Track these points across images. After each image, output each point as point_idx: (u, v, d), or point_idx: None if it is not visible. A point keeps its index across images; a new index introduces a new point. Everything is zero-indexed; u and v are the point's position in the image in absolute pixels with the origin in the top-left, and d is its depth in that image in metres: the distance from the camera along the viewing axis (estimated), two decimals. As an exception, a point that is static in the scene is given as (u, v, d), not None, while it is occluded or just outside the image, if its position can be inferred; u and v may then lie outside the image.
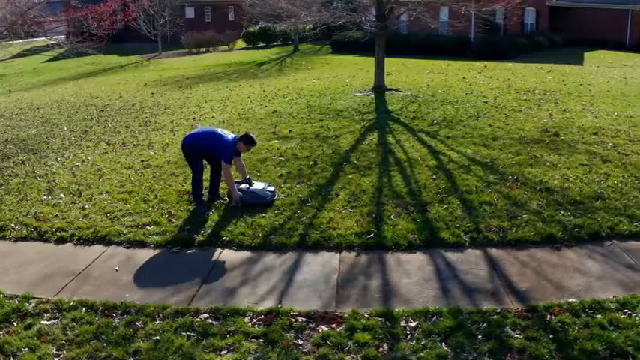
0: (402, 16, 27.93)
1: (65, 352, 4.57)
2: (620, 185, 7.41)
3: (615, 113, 11.33)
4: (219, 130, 7.21)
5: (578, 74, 17.68)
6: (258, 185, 7.37)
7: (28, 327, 4.90)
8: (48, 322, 4.96)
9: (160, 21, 35.25)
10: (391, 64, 21.22)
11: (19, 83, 25.42)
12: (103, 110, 14.55)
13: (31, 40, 16.90)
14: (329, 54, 30.78)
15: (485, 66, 20.32)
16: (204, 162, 7.48)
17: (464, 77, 16.98)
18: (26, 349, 4.61)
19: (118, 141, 11.03)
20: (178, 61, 30.58)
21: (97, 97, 16.88)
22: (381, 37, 14.02)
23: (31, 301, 5.30)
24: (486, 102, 12.60)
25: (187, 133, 7.66)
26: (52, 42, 15.89)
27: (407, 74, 18.52)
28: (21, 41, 18.42)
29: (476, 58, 24.86)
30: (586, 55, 26.81)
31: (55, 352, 4.58)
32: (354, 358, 4.34)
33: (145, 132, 11.65)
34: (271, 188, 7.39)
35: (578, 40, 30.86)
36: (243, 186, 7.28)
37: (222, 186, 7.62)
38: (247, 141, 7.11)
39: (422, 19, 14.68)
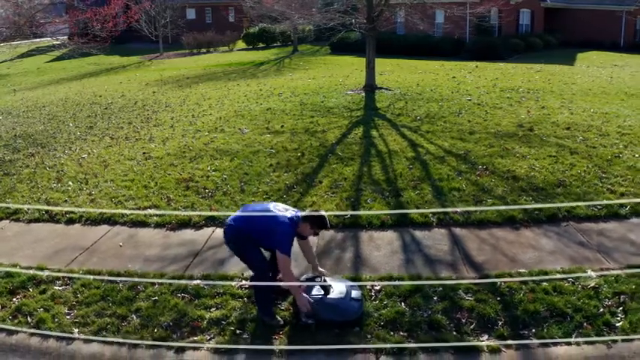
0: (397, 18, 28.58)
1: (76, 311, 5.28)
2: (583, 174, 8.06)
3: (592, 110, 11.97)
4: (272, 205, 5.13)
5: (565, 74, 18.28)
6: (337, 287, 5.10)
7: (43, 292, 5.62)
8: (60, 288, 5.67)
9: (161, 22, 35.93)
10: (385, 64, 21.89)
11: (23, 83, 26.12)
12: (106, 108, 15.25)
13: (37, 40, 17.62)
14: (328, 54, 31.40)
15: (477, 66, 20.93)
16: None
17: (454, 77, 17.62)
18: (41, 309, 5.32)
19: (121, 135, 11.73)
20: (179, 62, 31.26)
21: (101, 96, 17.59)
22: (371, 38, 14.67)
23: (44, 271, 6.00)
24: (470, 99, 13.26)
25: (232, 215, 5.26)
26: (56, 42, 16.58)
27: (399, 74, 19.17)
28: (27, 41, 19.14)
29: (470, 59, 25.42)
30: (579, 55, 27.37)
31: (66, 311, 5.29)
32: (324, 314, 5.02)
33: (147, 127, 12.35)
34: (356, 292, 5.11)
35: (573, 41, 31.43)
36: (316, 291, 5.06)
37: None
38: (316, 223, 5.04)
39: (410, 20, 15.32)
